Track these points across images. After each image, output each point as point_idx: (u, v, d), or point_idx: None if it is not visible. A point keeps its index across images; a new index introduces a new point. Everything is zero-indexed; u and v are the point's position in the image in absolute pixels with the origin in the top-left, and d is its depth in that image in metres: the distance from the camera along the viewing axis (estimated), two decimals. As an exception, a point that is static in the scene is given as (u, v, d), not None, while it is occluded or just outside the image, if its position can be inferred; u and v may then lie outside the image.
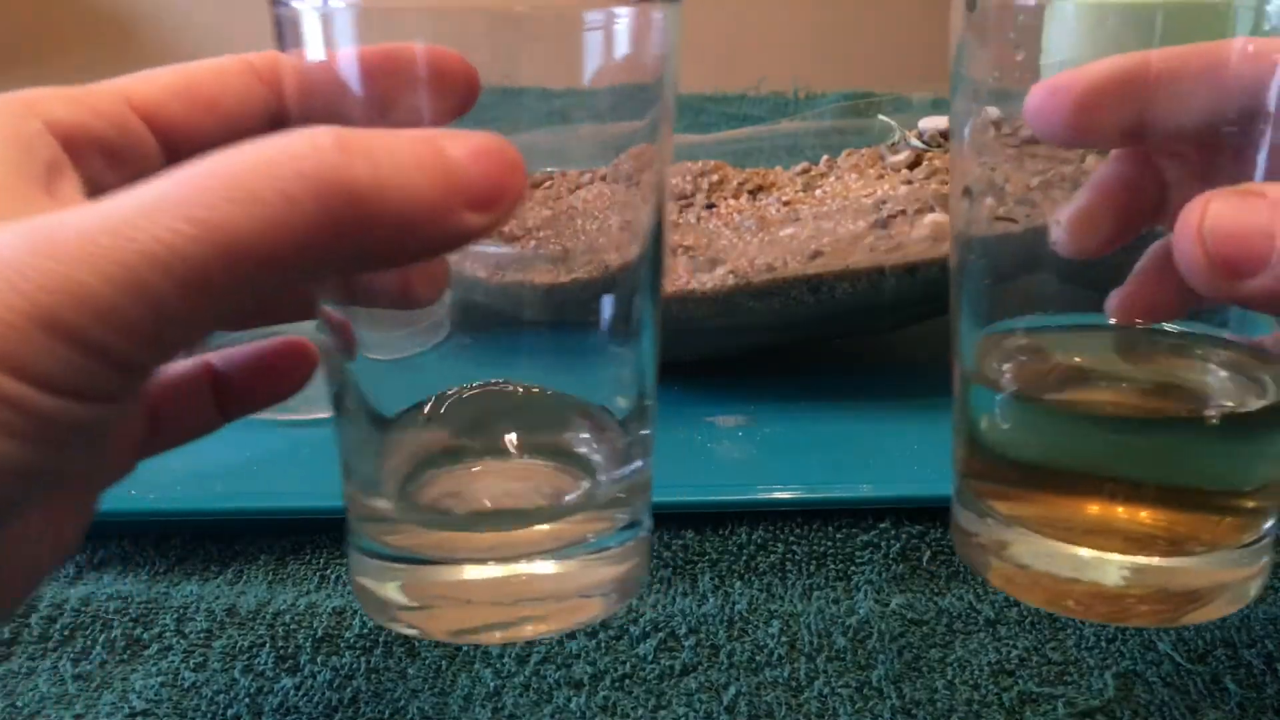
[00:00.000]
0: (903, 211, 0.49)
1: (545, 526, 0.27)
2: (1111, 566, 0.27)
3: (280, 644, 0.34)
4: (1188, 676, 0.32)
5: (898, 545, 0.38)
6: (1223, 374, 0.29)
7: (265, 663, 0.33)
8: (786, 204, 0.53)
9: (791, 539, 0.38)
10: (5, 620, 0.34)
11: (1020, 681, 0.32)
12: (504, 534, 0.27)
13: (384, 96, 0.22)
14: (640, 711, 0.31)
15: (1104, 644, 0.33)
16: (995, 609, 0.35)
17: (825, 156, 0.58)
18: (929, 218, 0.48)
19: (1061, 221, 0.28)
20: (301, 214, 0.19)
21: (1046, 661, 0.33)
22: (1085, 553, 0.27)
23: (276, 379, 0.29)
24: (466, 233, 0.20)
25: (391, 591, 0.27)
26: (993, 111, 0.28)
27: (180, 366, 0.29)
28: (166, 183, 0.19)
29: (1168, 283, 0.28)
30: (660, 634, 0.34)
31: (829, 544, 0.38)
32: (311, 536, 0.39)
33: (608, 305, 0.27)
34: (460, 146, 0.20)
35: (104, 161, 0.25)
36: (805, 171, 0.57)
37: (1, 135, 0.23)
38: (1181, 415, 0.29)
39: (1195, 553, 0.27)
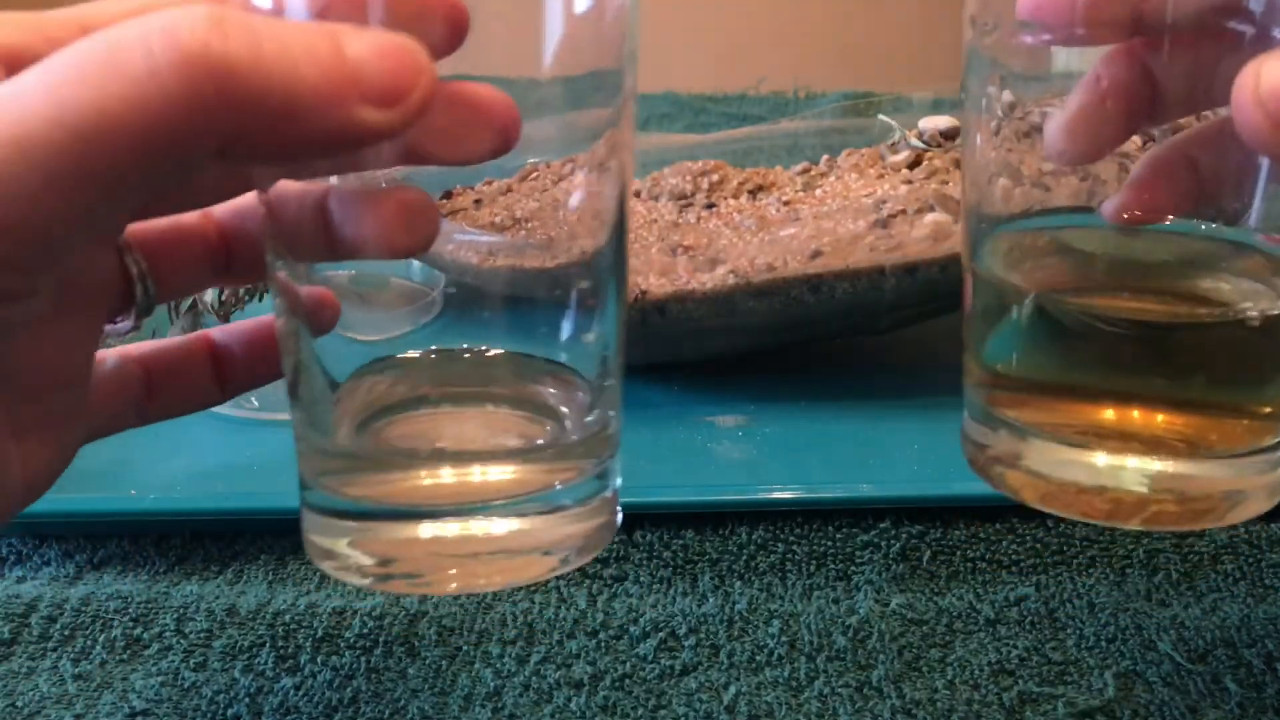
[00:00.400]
0: (903, 211, 0.49)
1: (510, 473, 0.26)
2: (1129, 472, 0.27)
3: (280, 644, 0.34)
4: (1188, 676, 0.32)
5: (898, 545, 0.38)
6: (1238, 278, 0.29)
7: (265, 663, 0.33)
8: (786, 204, 0.53)
9: (791, 539, 0.38)
10: None
11: (1020, 681, 0.32)
12: (466, 480, 0.26)
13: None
14: (640, 711, 0.31)
15: (1104, 644, 0.33)
16: (995, 609, 0.35)
17: (825, 156, 0.58)
18: (929, 217, 0.48)
19: (1056, 127, 0.28)
20: (165, 91, 0.18)
21: (1046, 661, 0.33)
22: (1102, 458, 0.27)
23: (276, 354, 0.30)
24: (363, 127, 0.20)
25: (343, 546, 0.26)
26: (1006, 96, 0.28)
27: (177, 339, 0.30)
28: (37, 68, 0.19)
29: (1161, 190, 0.28)
30: (660, 634, 0.34)
31: (829, 544, 0.38)
32: (311, 536, 0.39)
33: (584, 280, 0.27)
34: (363, 41, 0.20)
35: None
36: (805, 171, 0.57)
37: None
38: (1198, 320, 0.28)
39: (1214, 456, 0.27)
